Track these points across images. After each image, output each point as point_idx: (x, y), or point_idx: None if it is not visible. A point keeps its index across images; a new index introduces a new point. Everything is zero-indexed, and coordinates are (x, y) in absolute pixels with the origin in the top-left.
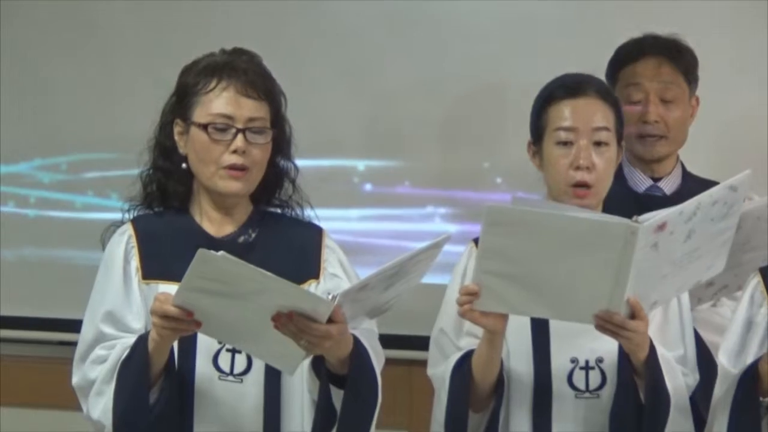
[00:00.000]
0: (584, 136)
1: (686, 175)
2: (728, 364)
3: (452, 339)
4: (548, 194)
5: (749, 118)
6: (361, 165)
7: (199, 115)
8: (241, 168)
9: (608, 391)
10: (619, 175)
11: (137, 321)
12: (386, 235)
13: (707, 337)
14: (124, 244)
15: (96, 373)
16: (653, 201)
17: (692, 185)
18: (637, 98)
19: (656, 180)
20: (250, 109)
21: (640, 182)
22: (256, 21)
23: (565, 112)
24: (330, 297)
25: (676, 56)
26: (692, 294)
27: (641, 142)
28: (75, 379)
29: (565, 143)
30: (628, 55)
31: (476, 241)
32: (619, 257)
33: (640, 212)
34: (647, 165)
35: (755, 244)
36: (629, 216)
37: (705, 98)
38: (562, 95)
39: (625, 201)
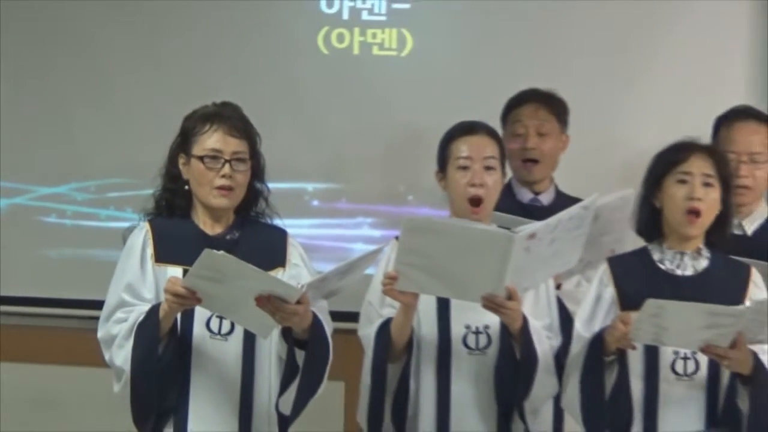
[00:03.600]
0: (477, 162)
1: (558, 192)
2: (582, 329)
3: (377, 309)
4: (451, 210)
5: (608, 147)
6: (310, 187)
7: (197, 150)
8: (228, 188)
9: (493, 350)
10: (510, 192)
11: (149, 292)
12: (328, 239)
13: (572, 308)
14: (143, 236)
15: (117, 329)
16: (535, 209)
17: (562, 200)
18: (520, 132)
19: (537, 194)
20: (234, 145)
21: (525, 196)
22: (236, 79)
23: (463, 146)
24: (299, 285)
25: (551, 103)
26: (566, 273)
27: (524, 167)
28: (100, 334)
29: (464, 168)
30: (515, 101)
31: (397, 239)
32: (501, 257)
33: (527, 217)
34: (530, 185)
35: (610, 230)
36: (519, 217)
37: (580, 135)
38: (461, 134)
39: (515, 210)
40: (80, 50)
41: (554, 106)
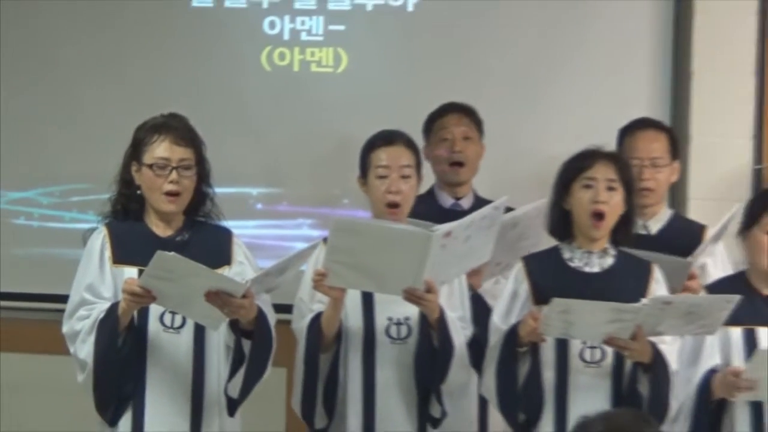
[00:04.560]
0: (395, 171)
1: (477, 197)
2: (499, 321)
3: (308, 304)
4: (372, 212)
5: (522, 155)
6: (254, 191)
7: (147, 158)
8: (176, 193)
9: (413, 339)
10: (432, 196)
11: (108, 291)
12: (271, 238)
13: (492, 302)
14: (101, 239)
15: (80, 326)
16: (456, 213)
17: (481, 204)
18: (447, 137)
19: (458, 199)
20: (181, 153)
21: (446, 201)
22: (188, 93)
23: (382, 155)
24: (245, 281)
25: (471, 113)
26: (486, 272)
27: (451, 169)
28: (65, 329)
29: (383, 176)
30: (439, 112)
31: (324, 240)
32: (420, 253)
33: (447, 221)
34: (452, 189)
35: (527, 236)
36: (438, 223)
37: (497, 144)
38: (380, 144)
39: (436, 214)
40: (48, 68)
41: (474, 116)
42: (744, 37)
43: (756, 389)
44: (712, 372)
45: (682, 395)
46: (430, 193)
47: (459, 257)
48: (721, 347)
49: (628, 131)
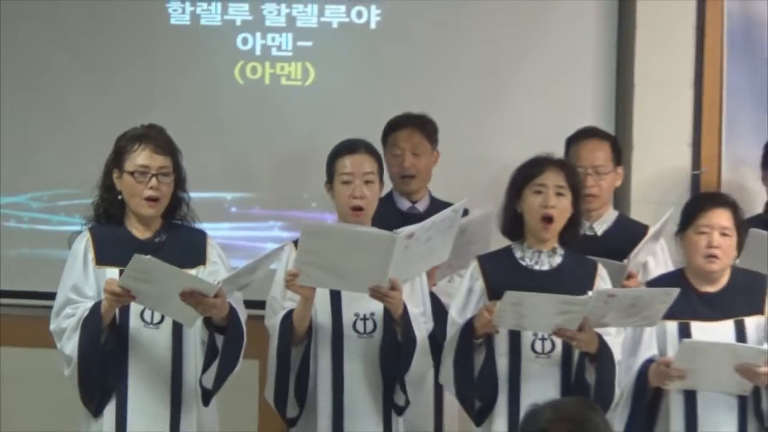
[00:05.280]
0: (358, 177)
1: (433, 199)
2: (456, 316)
3: (280, 302)
4: (338, 215)
5: (477, 161)
6: (228, 196)
7: (128, 165)
8: (155, 199)
9: (378, 334)
10: (390, 200)
11: (92, 291)
12: (244, 239)
13: (445, 300)
14: (84, 242)
15: (66, 323)
16: (413, 216)
17: (436, 206)
18: (398, 153)
19: (414, 203)
20: (159, 161)
21: (403, 205)
22: (168, 104)
23: (347, 162)
24: (216, 282)
25: (422, 126)
26: (438, 272)
27: (402, 181)
28: (52, 327)
29: (347, 182)
30: (393, 125)
31: (294, 242)
32: (385, 254)
33: (405, 224)
34: (408, 195)
35: (476, 240)
36: (396, 225)
37: (453, 150)
38: (345, 152)
39: (395, 216)
40: (39, 84)
41: (426, 128)
42: (682, 52)
43: (686, 378)
44: (649, 362)
45: (623, 383)
46: (389, 197)
47: (420, 257)
48: (657, 339)
49: (574, 140)
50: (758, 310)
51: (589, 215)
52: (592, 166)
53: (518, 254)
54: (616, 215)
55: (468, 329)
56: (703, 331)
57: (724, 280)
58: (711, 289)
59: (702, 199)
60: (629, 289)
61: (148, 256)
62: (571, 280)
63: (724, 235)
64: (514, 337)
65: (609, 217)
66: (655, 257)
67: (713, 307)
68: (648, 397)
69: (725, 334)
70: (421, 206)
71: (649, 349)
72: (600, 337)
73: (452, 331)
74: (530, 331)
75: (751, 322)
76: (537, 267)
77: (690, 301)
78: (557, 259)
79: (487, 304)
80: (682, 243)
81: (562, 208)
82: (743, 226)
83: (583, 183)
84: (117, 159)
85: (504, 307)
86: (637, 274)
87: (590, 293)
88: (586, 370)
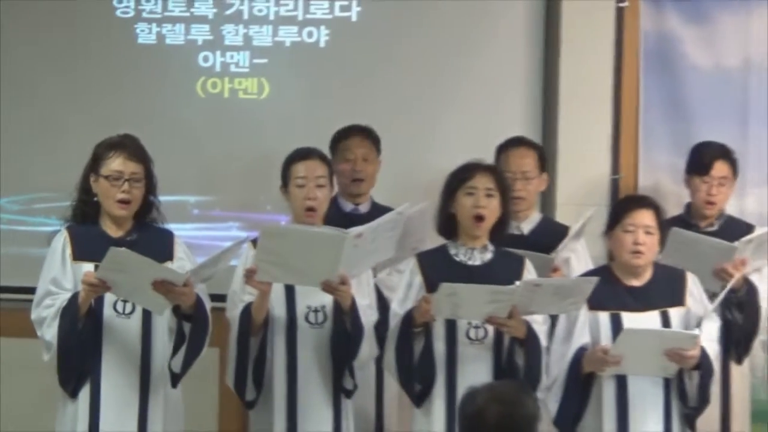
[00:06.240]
0: (311, 181)
1: (373, 203)
2: (397, 308)
3: (239, 295)
4: (292, 216)
5: (415, 167)
6: (192, 199)
7: (104, 171)
8: (127, 201)
9: (328, 324)
10: (335, 203)
11: (69, 283)
12: (206, 239)
13: (386, 292)
14: (62, 240)
15: (46, 313)
16: (356, 217)
17: (376, 209)
18: (350, 157)
19: (357, 205)
20: (132, 167)
21: (347, 207)
22: (137, 116)
23: (301, 168)
24: (185, 272)
25: (370, 135)
26: (378, 267)
27: (353, 184)
28: (33, 316)
29: (301, 186)
30: (344, 133)
31: (252, 241)
32: (335, 252)
33: (350, 225)
34: (353, 198)
35: (413, 233)
36: (341, 226)
37: (394, 157)
38: (299, 158)
39: (339, 217)
40: (17, 94)
41: (373, 138)
42: (602, 68)
43: (620, 364)
44: (582, 350)
45: (556, 369)
46: (334, 200)
47: (367, 254)
48: (591, 329)
49: (504, 148)
50: (680, 302)
51: (516, 216)
52: (521, 171)
53: (453, 251)
54: (540, 216)
55: (408, 319)
56: (632, 320)
57: (647, 274)
58: (637, 283)
59: (628, 201)
60: (553, 279)
61: (123, 248)
62: (501, 273)
63: (648, 233)
64: (450, 326)
65: (534, 218)
66: (577, 254)
67: (640, 299)
68: (581, 382)
69: (652, 324)
70: (364, 208)
71: (581, 338)
72: (528, 324)
73: (394, 322)
74: (464, 320)
75: (675, 313)
76: (470, 262)
77: (619, 293)
78: (488, 255)
79: (426, 295)
80: (610, 241)
81: (491, 209)
82: (665, 225)
83: (512, 187)
84: (94, 164)
85: (440, 297)
86: (561, 268)
87: (518, 283)
88: (515, 353)
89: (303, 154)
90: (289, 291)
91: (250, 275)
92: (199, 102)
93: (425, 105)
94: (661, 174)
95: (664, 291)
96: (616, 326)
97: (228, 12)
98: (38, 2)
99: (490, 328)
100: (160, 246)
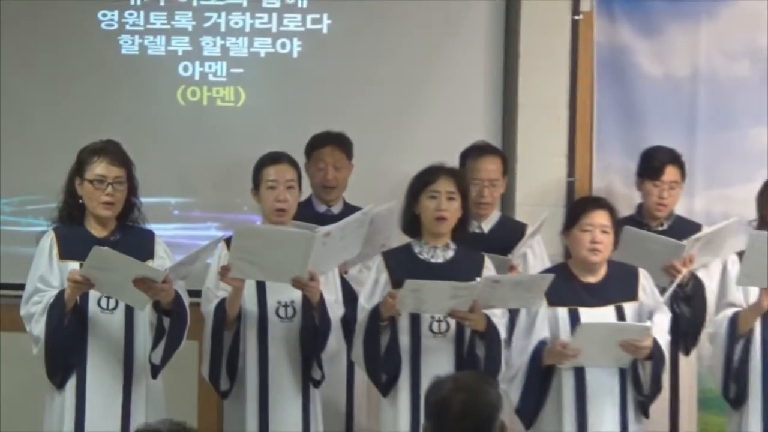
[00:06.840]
0: (282, 184)
1: (345, 204)
2: (365, 303)
3: (214, 291)
4: (264, 217)
5: (383, 170)
6: (172, 201)
7: (88, 174)
8: (110, 203)
9: (298, 318)
10: (309, 204)
11: (56, 281)
12: (186, 238)
13: (356, 287)
14: (49, 240)
15: (35, 309)
16: (328, 217)
17: (348, 209)
18: (321, 167)
19: (329, 206)
20: (115, 172)
21: (321, 208)
22: (121, 122)
23: (271, 172)
24: (164, 269)
25: (342, 144)
26: (349, 264)
27: (324, 191)
28: (22, 312)
29: (272, 188)
30: (318, 142)
31: (226, 240)
32: (305, 250)
33: (322, 224)
34: (326, 201)
35: (381, 230)
36: (316, 223)
37: (364, 161)
38: (269, 162)
39: (313, 217)
40: (6, 101)
41: (345, 146)
42: (558, 78)
43: (578, 357)
44: (542, 343)
45: (518, 361)
46: (308, 201)
47: (335, 252)
48: (550, 324)
49: (470, 155)
50: (633, 297)
51: (477, 215)
52: (489, 179)
53: (417, 249)
54: (499, 215)
55: (375, 314)
56: (589, 315)
57: (602, 271)
58: (592, 279)
59: (585, 202)
60: (511, 275)
61: (106, 248)
62: (462, 270)
63: (604, 232)
64: (415, 319)
65: (494, 217)
66: (533, 252)
67: (596, 295)
68: (541, 374)
69: (608, 318)
70: (336, 209)
71: (541, 332)
72: (488, 317)
73: (361, 316)
74: (428, 314)
75: (629, 307)
76: (433, 260)
77: (576, 290)
78: (450, 253)
79: (391, 291)
80: (568, 240)
81: (452, 211)
82: (619, 224)
83: (480, 194)
84: (79, 168)
85: (405, 293)
86: (518, 266)
87: (478, 279)
88: (476, 345)
89: (274, 159)
90: (261, 287)
91: (224, 272)
92: (179, 109)
93: (392, 112)
94: (614, 176)
95: (618, 287)
96: (574, 321)
97: (206, 24)
98: (27, 16)
99: (452, 322)
100: (141, 245)
